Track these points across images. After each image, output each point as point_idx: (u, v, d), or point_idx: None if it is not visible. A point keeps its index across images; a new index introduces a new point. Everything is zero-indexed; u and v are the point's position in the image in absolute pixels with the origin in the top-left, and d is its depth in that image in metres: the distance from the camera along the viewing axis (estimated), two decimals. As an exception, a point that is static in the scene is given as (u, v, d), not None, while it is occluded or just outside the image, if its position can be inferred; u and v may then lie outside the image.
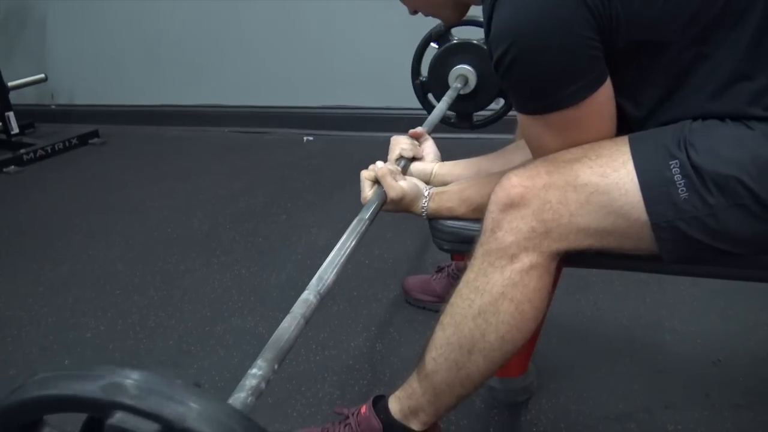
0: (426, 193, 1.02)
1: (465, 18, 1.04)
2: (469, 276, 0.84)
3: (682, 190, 0.74)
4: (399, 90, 2.67)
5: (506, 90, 0.84)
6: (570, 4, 0.71)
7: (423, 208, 1.02)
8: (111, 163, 2.83)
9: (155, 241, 1.99)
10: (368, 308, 1.55)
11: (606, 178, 0.77)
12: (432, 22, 1.27)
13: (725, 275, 0.90)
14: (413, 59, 1.71)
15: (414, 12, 1.01)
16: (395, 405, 0.95)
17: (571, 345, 1.36)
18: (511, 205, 0.79)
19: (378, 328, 1.48)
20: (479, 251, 0.83)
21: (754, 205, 0.73)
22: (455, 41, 1.61)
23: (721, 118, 0.77)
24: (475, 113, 1.71)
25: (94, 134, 3.07)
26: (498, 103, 1.72)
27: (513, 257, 0.80)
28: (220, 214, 2.14)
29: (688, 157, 0.74)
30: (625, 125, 0.83)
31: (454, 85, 1.59)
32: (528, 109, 0.81)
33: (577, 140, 0.81)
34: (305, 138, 2.85)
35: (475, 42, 1.60)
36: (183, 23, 2.99)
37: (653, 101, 0.82)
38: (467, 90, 1.61)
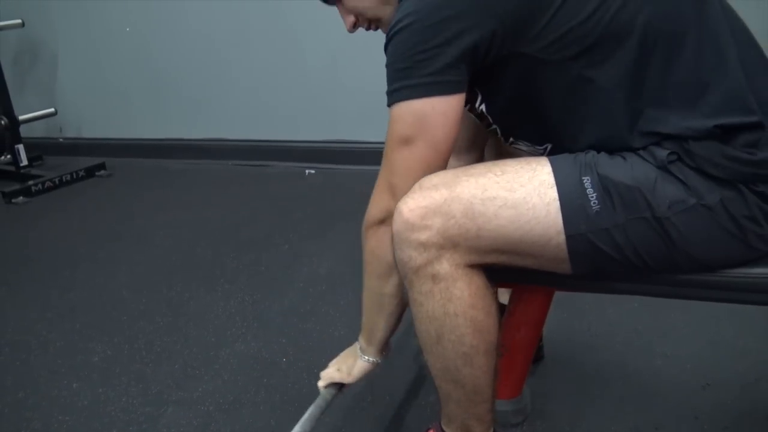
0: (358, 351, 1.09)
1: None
2: (413, 310, 0.90)
3: (594, 203, 0.79)
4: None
5: (387, 65, 0.85)
6: (469, 3, 0.78)
7: (363, 358, 1.08)
8: (117, 194, 2.89)
9: (160, 269, 2.04)
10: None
11: (514, 193, 0.81)
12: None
13: (639, 291, 0.94)
14: None
15: (354, 25, 1.02)
16: (449, 428, 1.00)
17: (565, 369, 1.39)
18: (413, 229, 0.82)
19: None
20: (407, 285, 0.88)
21: (652, 220, 0.79)
22: None
23: (614, 150, 0.83)
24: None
25: (101, 166, 3.15)
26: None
27: (434, 278, 0.84)
28: (224, 244, 2.19)
29: (598, 173, 0.80)
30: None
31: None
32: (397, 91, 0.83)
33: (424, 149, 0.84)
34: (307, 171, 2.92)
35: None
36: (188, 59, 3.09)
37: (552, 132, 0.89)
38: None
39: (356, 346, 1.10)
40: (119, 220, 2.52)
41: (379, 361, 1.08)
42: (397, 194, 0.86)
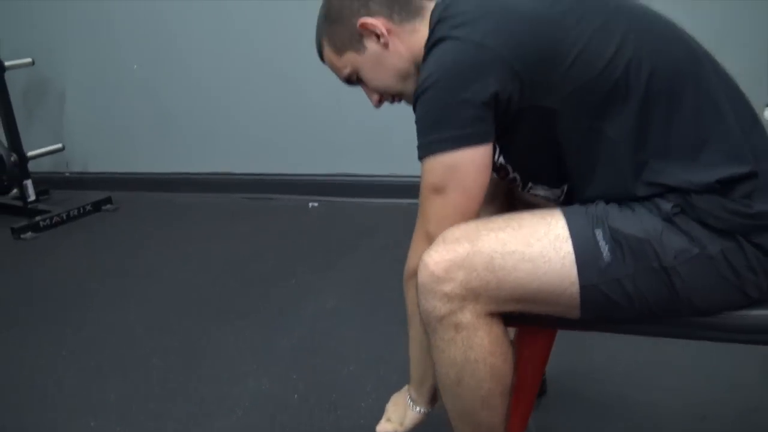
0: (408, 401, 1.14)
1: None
2: (434, 355, 0.95)
3: (606, 255, 0.86)
4: (400, 158, 2.83)
5: (416, 122, 0.92)
6: (490, 62, 0.85)
7: (415, 409, 1.13)
8: (124, 228, 2.94)
9: (171, 305, 2.09)
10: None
11: (531, 247, 0.87)
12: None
13: (640, 332, 1.02)
14: None
15: (379, 101, 1.10)
16: None
17: (568, 403, 1.44)
18: (438, 282, 0.88)
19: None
20: (429, 332, 0.93)
21: (660, 270, 0.85)
22: None
23: (623, 199, 0.89)
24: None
25: (107, 201, 3.20)
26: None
27: (456, 327, 0.90)
28: (232, 279, 2.24)
29: (609, 226, 0.86)
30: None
31: None
32: (427, 145, 0.90)
33: (457, 197, 0.90)
34: (310, 204, 2.98)
35: None
36: (194, 95, 3.16)
37: (567, 177, 0.97)
38: None
39: (405, 394, 1.15)
40: (127, 256, 2.58)
41: (430, 410, 1.13)
42: (429, 238, 0.93)
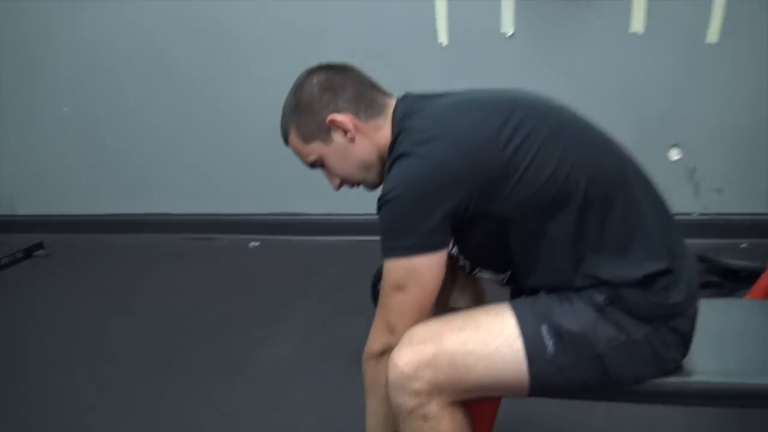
0: None
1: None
2: None
3: (551, 348, 0.99)
4: (340, 197, 2.92)
5: (381, 226, 1.02)
6: (450, 180, 0.96)
7: None
8: (58, 277, 2.87)
9: (120, 366, 2.08)
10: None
11: (488, 345, 1.00)
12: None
13: (578, 398, 1.12)
14: (371, 295, 2.05)
15: (340, 185, 1.20)
16: None
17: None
18: (408, 380, 0.99)
19: None
20: (399, 420, 1.04)
21: (595, 357, 0.99)
22: None
23: (560, 288, 1.03)
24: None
25: (39, 246, 3.13)
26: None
27: (424, 417, 1.01)
28: (180, 332, 2.25)
29: (553, 322, 0.99)
30: None
31: None
32: (391, 249, 1.00)
33: (416, 294, 1.01)
34: (251, 244, 3.02)
35: None
36: (130, 135, 3.14)
37: (513, 266, 1.08)
38: None
39: None
40: (64, 308, 2.52)
41: None
42: (394, 331, 1.03)
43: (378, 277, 2.02)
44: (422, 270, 1.00)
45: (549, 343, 0.99)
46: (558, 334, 0.99)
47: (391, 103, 1.14)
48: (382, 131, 1.12)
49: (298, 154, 1.19)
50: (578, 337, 0.99)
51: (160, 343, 2.20)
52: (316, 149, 1.15)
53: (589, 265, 1.01)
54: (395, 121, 1.10)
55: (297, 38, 2.77)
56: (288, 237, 3.03)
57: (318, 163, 1.18)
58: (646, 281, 0.98)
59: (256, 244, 3.03)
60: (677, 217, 1.09)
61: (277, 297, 2.47)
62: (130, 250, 3.10)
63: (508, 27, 2.57)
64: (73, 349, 2.19)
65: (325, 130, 1.13)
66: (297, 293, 2.47)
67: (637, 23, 2.45)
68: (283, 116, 1.19)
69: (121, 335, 2.27)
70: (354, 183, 1.20)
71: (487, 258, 1.13)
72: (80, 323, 2.39)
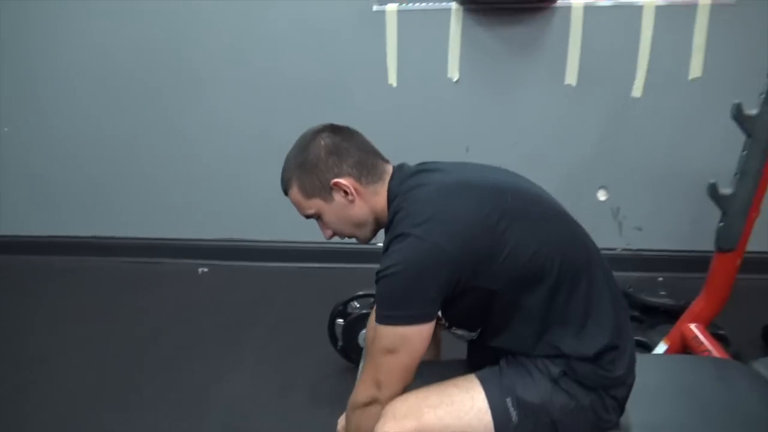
0: None
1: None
2: None
3: (515, 419, 1.15)
4: (288, 223, 3.02)
5: (376, 294, 1.14)
6: (445, 261, 1.09)
7: None
8: (2, 304, 2.82)
9: (68, 400, 2.07)
10: None
11: (461, 420, 1.14)
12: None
13: None
14: (328, 334, 2.16)
15: (332, 236, 1.32)
16: None
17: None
18: None
19: None
20: None
21: (550, 423, 1.16)
22: (355, 314, 2.09)
23: (519, 353, 1.18)
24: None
25: (-24, 268, 3.06)
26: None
27: None
28: (133, 365, 2.28)
29: (516, 396, 1.15)
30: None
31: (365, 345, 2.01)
32: (387, 317, 1.12)
33: (405, 358, 1.13)
34: (200, 269, 3.06)
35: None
36: (74, 156, 3.10)
37: (485, 327, 1.23)
38: None
39: None
40: (14, 340, 2.48)
41: None
42: (381, 388, 1.16)
43: (336, 314, 2.14)
44: (413, 338, 1.12)
45: (513, 414, 1.14)
46: (521, 405, 1.14)
47: (389, 170, 1.27)
48: (379, 196, 1.25)
49: (297, 206, 1.28)
50: (537, 408, 1.14)
51: (111, 375, 2.21)
52: (315, 205, 1.26)
53: (553, 336, 1.16)
54: (391, 189, 1.23)
55: (250, 68, 2.85)
56: (237, 263, 3.08)
57: (315, 216, 1.28)
58: (598, 357, 1.15)
59: (205, 269, 3.07)
60: (603, 252, 1.26)
61: (230, 326, 2.53)
62: (75, 273, 3.07)
63: (454, 73, 2.74)
64: (24, 388, 2.17)
65: (327, 190, 1.24)
66: (250, 323, 2.54)
67: (571, 76, 2.67)
68: (287, 169, 1.27)
69: (68, 367, 2.27)
70: (346, 236, 1.31)
71: (464, 320, 1.27)
72: (30, 356, 2.36)
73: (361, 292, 2.19)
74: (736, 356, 1.95)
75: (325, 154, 1.23)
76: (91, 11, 2.85)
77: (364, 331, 2.05)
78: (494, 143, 2.81)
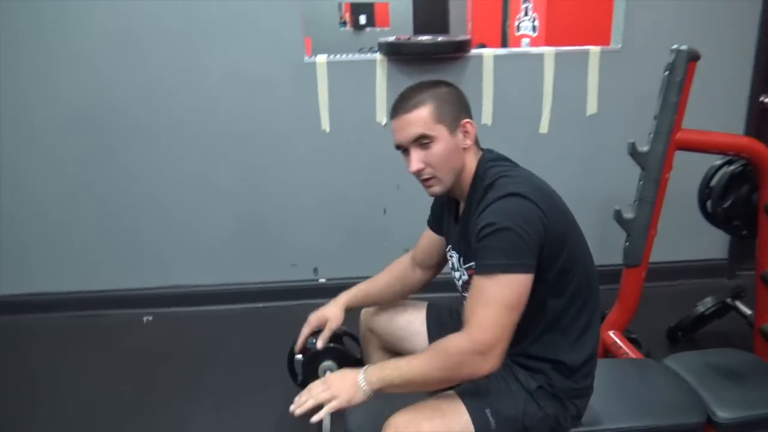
0: (362, 382, 1.31)
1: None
2: None
3: (493, 425, 1.36)
4: (232, 266, 3.13)
5: (486, 248, 1.23)
6: (543, 222, 1.26)
7: (365, 391, 1.31)
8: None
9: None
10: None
11: (451, 429, 1.34)
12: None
13: None
14: (288, 369, 2.21)
15: (420, 170, 1.36)
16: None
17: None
18: None
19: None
20: None
21: (523, 429, 1.37)
22: (314, 350, 2.17)
23: (521, 352, 1.40)
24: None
25: None
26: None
27: None
28: (89, 423, 2.27)
29: (495, 408, 1.36)
30: None
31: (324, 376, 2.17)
32: (504, 266, 1.22)
33: (512, 309, 1.23)
34: (145, 318, 3.09)
35: (332, 345, 2.17)
36: (3, 209, 3.07)
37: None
38: None
39: (355, 374, 1.33)
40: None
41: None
42: (501, 339, 1.23)
43: (294, 352, 2.27)
44: (526, 291, 1.24)
45: (492, 423, 1.35)
46: (498, 415, 1.35)
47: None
48: (473, 159, 1.40)
49: (416, 125, 1.33)
50: (512, 417, 1.36)
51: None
52: (438, 132, 1.33)
53: (552, 339, 1.38)
54: (486, 159, 1.40)
55: (188, 118, 2.95)
56: (183, 308, 3.14)
57: (420, 142, 1.34)
58: (581, 366, 1.38)
59: (150, 318, 3.10)
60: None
61: (186, 372, 2.58)
62: (14, 332, 3.01)
63: (382, 117, 2.97)
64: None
65: (455, 124, 1.36)
66: (206, 367, 2.62)
67: (486, 117, 2.97)
68: (417, 93, 1.35)
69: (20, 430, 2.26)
70: (431, 177, 1.38)
71: None
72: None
73: (318, 328, 2.32)
74: (648, 355, 2.26)
75: (462, 97, 1.40)
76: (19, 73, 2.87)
77: (325, 363, 2.20)
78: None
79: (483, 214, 1.28)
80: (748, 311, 2.43)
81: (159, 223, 3.11)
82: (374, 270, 3.11)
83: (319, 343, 1.72)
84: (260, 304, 3.15)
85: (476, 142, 1.44)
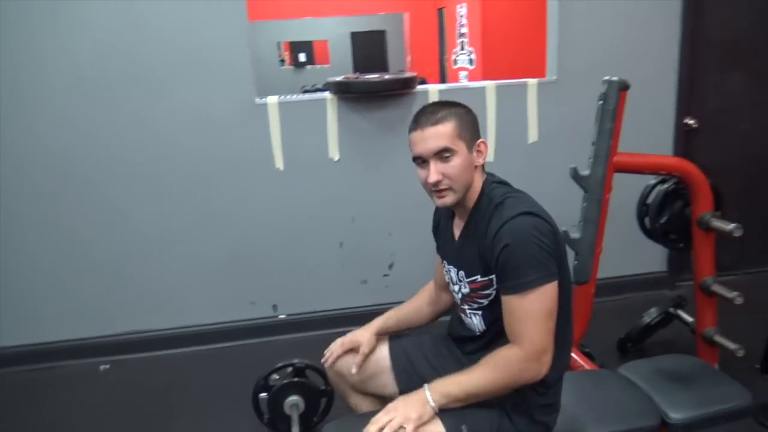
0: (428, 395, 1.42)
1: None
2: None
3: None
4: (189, 308, 3.12)
5: (514, 269, 1.35)
6: (554, 235, 1.40)
7: (432, 407, 1.41)
8: None
9: None
10: None
11: None
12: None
13: None
14: (253, 408, 2.28)
15: (438, 182, 1.44)
16: None
17: None
18: None
19: None
20: None
21: None
22: (278, 386, 2.25)
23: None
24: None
25: None
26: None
27: None
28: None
29: (470, 425, 1.43)
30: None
31: (293, 415, 2.22)
32: (529, 281, 1.34)
33: (550, 315, 1.37)
34: (101, 367, 3.03)
35: (295, 380, 2.24)
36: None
37: (490, 339, 1.55)
38: (300, 411, 2.24)
39: (421, 395, 1.42)
40: None
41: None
42: (549, 344, 1.38)
43: (258, 389, 2.29)
44: (555, 292, 1.38)
45: None
46: (474, 431, 1.43)
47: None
48: (479, 179, 1.52)
49: (440, 138, 1.43)
50: None
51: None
52: (459, 147, 1.44)
53: None
54: (490, 181, 1.52)
55: (141, 160, 2.96)
56: (140, 354, 3.09)
57: (443, 155, 1.43)
58: (554, 384, 1.49)
59: (107, 366, 3.04)
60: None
61: (150, 419, 2.54)
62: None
63: (334, 153, 3.06)
64: None
65: (473, 143, 1.47)
66: (170, 411, 2.58)
67: (435, 148, 3.09)
68: (444, 109, 1.46)
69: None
70: (446, 189, 1.46)
71: (489, 320, 1.54)
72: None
73: (280, 364, 2.34)
74: (602, 367, 2.38)
75: (476, 120, 1.51)
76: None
77: (290, 398, 2.22)
78: (376, 211, 3.14)
79: (501, 233, 1.39)
80: (689, 319, 2.59)
81: (109, 269, 3.07)
82: (333, 303, 3.21)
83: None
84: (219, 345, 3.14)
85: (483, 168, 1.56)
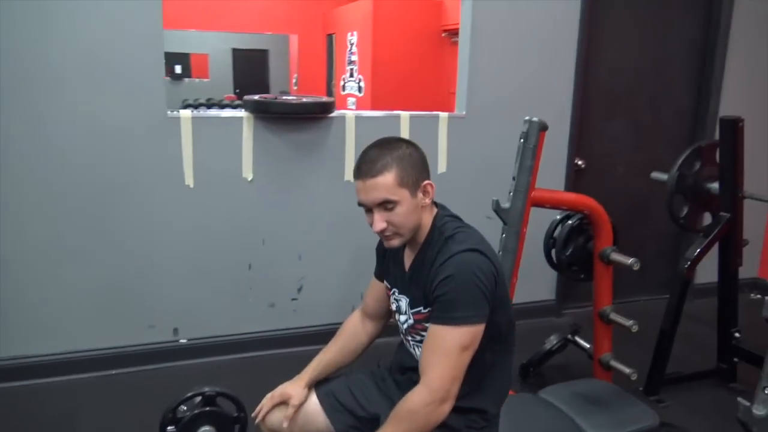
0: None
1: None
2: None
3: None
4: (85, 331, 2.87)
5: (449, 301, 1.38)
6: (495, 276, 1.43)
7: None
8: None
9: None
10: None
11: None
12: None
13: None
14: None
15: (384, 229, 1.45)
16: None
17: None
18: None
19: None
20: None
21: None
22: (187, 417, 2.07)
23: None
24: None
25: None
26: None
27: None
28: None
29: None
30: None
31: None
32: (463, 316, 1.37)
33: (471, 354, 1.40)
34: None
35: (207, 409, 2.08)
36: None
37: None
38: None
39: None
40: None
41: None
42: (455, 383, 1.39)
43: (166, 422, 2.13)
44: (479, 335, 1.40)
45: None
46: None
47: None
48: (429, 215, 1.52)
49: (381, 191, 1.41)
50: None
51: None
52: (402, 195, 1.42)
53: (484, 389, 1.52)
54: (441, 216, 1.53)
55: (38, 172, 2.69)
56: (26, 382, 2.78)
57: (385, 205, 1.42)
58: (497, 415, 1.56)
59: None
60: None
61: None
62: None
63: (248, 173, 2.98)
64: None
65: (416, 186, 1.45)
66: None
67: (349, 173, 3.13)
68: (382, 157, 1.42)
69: None
70: (394, 234, 1.47)
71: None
72: None
73: (189, 394, 2.21)
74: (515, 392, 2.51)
75: (422, 158, 1.48)
76: None
77: (202, 429, 2.10)
78: (287, 234, 3.10)
79: (445, 265, 1.42)
80: (586, 345, 2.81)
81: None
82: (238, 327, 3.11)
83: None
84: (114, 371, 2.91)
85: (433, 203, 1.58)
